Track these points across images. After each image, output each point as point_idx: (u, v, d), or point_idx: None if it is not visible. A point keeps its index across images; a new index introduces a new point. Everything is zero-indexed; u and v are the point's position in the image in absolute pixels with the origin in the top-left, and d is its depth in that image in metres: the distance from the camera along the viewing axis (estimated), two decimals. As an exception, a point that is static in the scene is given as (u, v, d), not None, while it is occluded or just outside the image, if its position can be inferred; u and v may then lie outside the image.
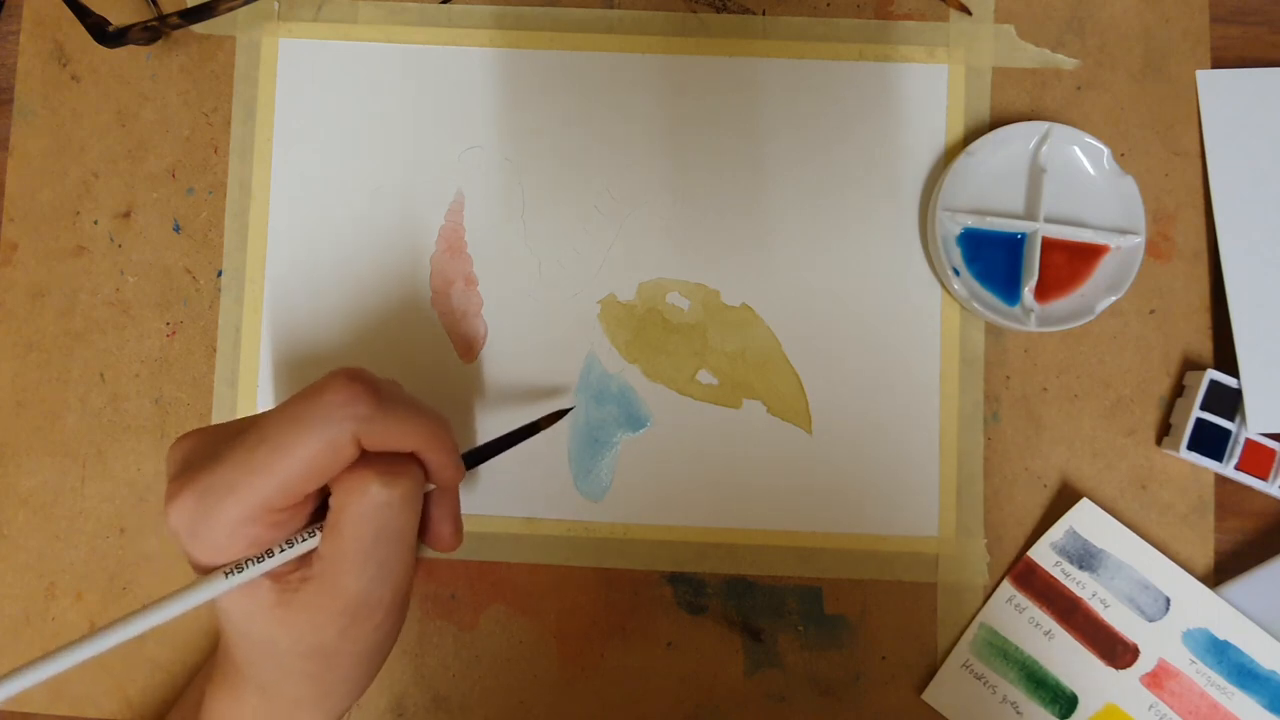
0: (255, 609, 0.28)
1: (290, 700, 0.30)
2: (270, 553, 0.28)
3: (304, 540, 0.28)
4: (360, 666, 0.30)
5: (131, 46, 0.41)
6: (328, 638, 0.29)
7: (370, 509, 0.27)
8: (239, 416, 0.40)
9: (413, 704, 0.39)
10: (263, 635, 0.29)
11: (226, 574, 0.27)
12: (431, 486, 0.31)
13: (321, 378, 0.28)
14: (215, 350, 0.41)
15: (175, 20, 0.40)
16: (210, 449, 0.28)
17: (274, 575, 0.28)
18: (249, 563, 0.27)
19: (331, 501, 0.28)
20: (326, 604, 0.28)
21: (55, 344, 0.41)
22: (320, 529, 0.28)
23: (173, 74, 0.42)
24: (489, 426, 0.40)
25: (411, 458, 0.29)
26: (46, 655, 0.27)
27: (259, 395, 0.40)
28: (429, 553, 0.40)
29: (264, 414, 0.28)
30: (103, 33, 0.40)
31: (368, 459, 0.28)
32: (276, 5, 0.42)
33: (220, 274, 0.41)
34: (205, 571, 0.28)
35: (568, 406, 0.39)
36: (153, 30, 0.40)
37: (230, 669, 0.31)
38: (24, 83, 0.42)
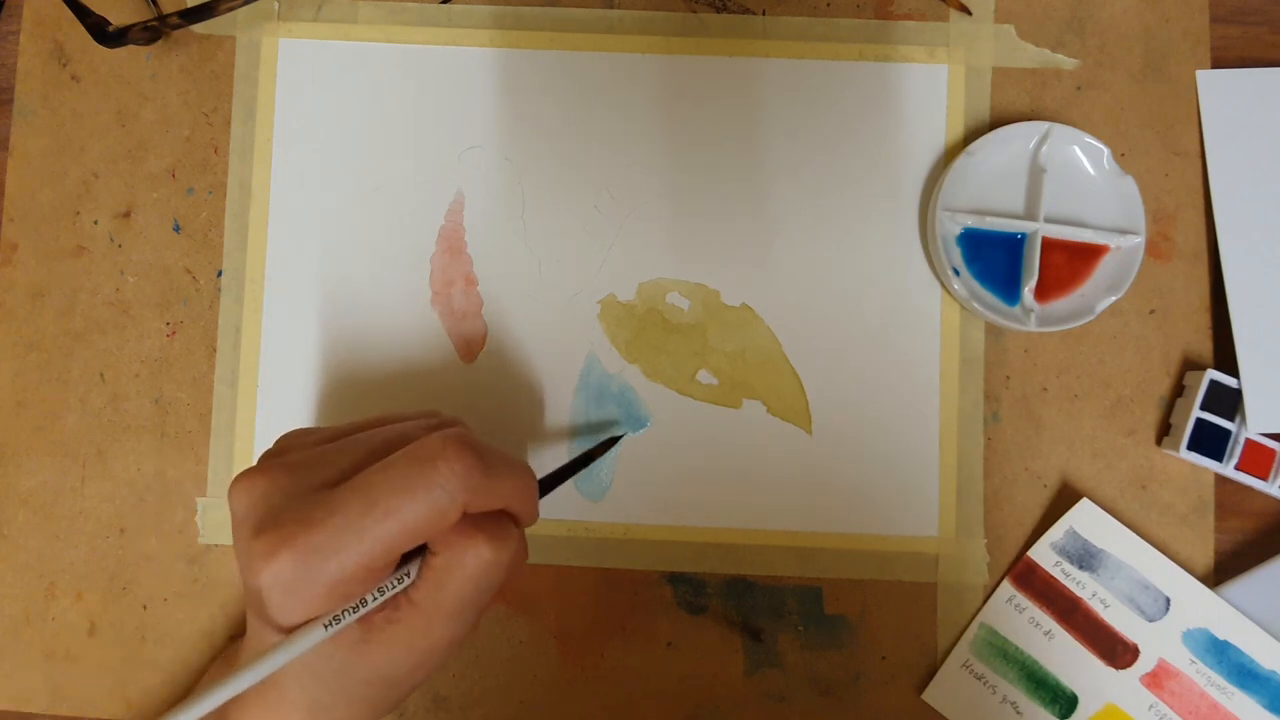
0: (335, 647, 0.28)
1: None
2: (364, 601, 0.28)
3: (394, 588, 0.28)
4: (414, 687, 0.31)
5: (131, 46, 0.41)
6: (402, 671, 0.29)
7: (480, 569, 0.28)
8: (237, 417, 0.40)
9: (413, 704, 0.39)
10: (335, 667, 0.29)
11: (325, 625, 0.27)
12: None
13: (431, 438, 0.28)
14: (215, 350, 0.41)
15: (175, 20, 0.40)
16: (289, 500, 0.28)
17: (366, 618, 0.29)
18: (346, 613, 0.28)
19: (434, 560, 0.28)
20: (414, 644, 0.29)
21: (55, 344, 0.41)
22: (408, 574, 0.29)
23: (173, 74, 0.42)
24: (489, 427, 0.40)
25: (508, 514, 0.30)
26: None
27: (259, 395, 0.40)
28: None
29: (370, 475, 0.28)
30: (103, 33, 0.40)
31: (470, 518, 0.28)
32: (276, 5, 0.42)
33: (220, 274, 0.41)
34: (283, 627, 0.28)
35: (619, 434, 0.40)
36: (153, 30, 0.40)
37: (269, 688, 0.30)
38: (24, 83, 0.42)
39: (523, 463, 0.31)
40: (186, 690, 0.40)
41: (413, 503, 0.27)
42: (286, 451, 0.30)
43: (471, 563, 0.28)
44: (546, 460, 0.40)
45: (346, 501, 0.27)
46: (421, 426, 0.32)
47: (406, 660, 0.29)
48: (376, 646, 0.29)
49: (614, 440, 0.39)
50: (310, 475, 0.29)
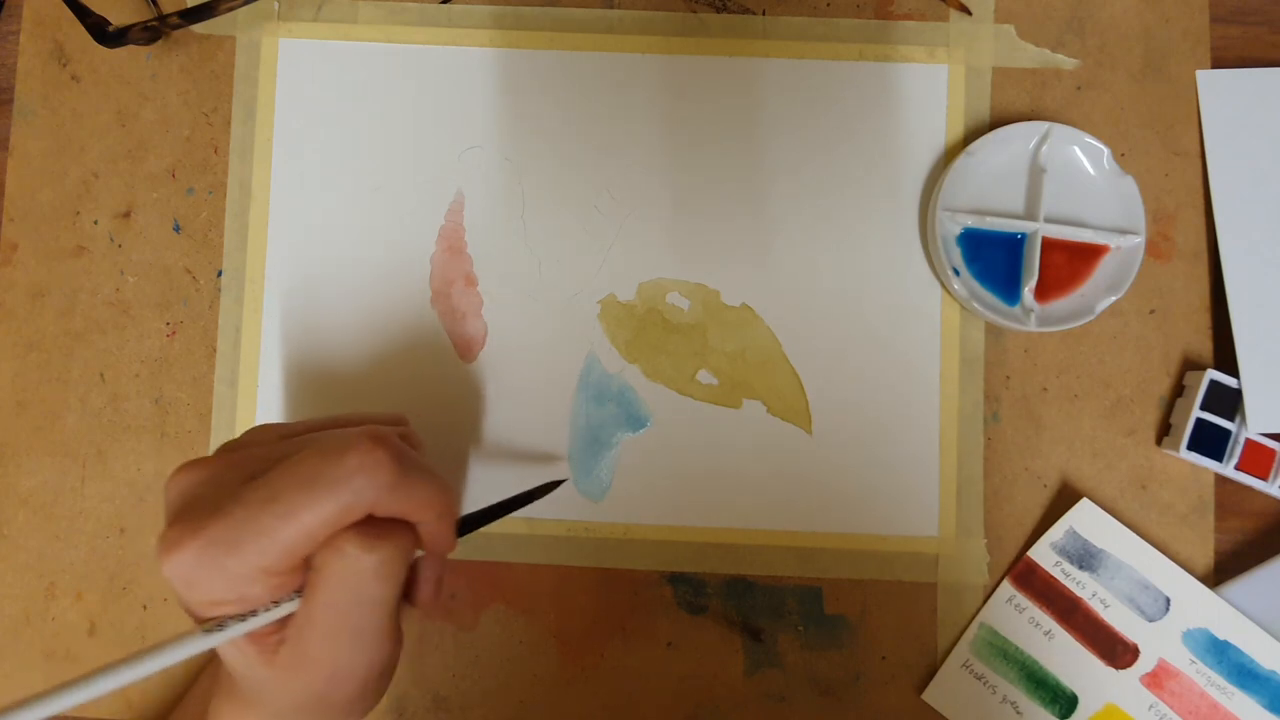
0: (244, 661, 0.27)
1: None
2: (255, 612, 0.26)
3: (284, 604, 0.27)
4: (353, 708, 0.29)
5: (131, 46, 0.41)
6: (310, 697, 0.27)
7: (347, 574, 0.26)
8: (237, 417, 0.40)
9: (413, 704, 0.39)
10: (256, 682, 0.28)
11: (206, 631, 0.26)
12: (420, 553, 0.30)
13: (344, 432, 0.27)
14: (215, 350, 0.41)
15: (175, 20, 0.40)
16: (213, 491, 0.27)
17: (254, 636, 0.27)
18: (231, 621, 0.26)
19: (312, 561, 0.26)
20: (300, 669, 0.27)
21: (55, 344, 0.41)
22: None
23: (173, 74, 0.42)
24: (489, 427, 0.40)
25: (402, 523, 0.28)
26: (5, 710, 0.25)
27: (259, 395, 0.40)
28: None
29: (278, 469, 0.26)
30: (103, 33, 0.40)
31: (360, 522, 0.26)
32: (276, 5, 0.42)
33: (220, 274, 0.41)
34: (197, 619, 0.26)
35: (562, 478, 0.39)
36: (153, 30, 0.40)
37: (236, 689, 0.30)
38: (24, 83, 0.42)
39: (444, 480, 0.29)
40: (186, 690, 0.40)
41: (312, 499, 0.25)
42: (246, 445, 0.29)
43: (340, 565, 0.26)
44: (547, 461, 0.40)
45: (252, 495, 0.26)
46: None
47: (304, 690, 0.27)
48: (277, 670, 0.27)
49: (555, 484, 0.37)
50: (244, 469, 0.27)
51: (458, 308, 0.41)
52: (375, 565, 0.26)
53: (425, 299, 0.41)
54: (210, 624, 0.26)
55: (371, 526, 0.26)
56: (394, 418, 0.34)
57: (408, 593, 0.32)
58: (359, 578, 0.26)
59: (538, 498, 0.36)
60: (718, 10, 0.41)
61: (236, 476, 0.27)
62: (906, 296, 0.40)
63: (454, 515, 0.29)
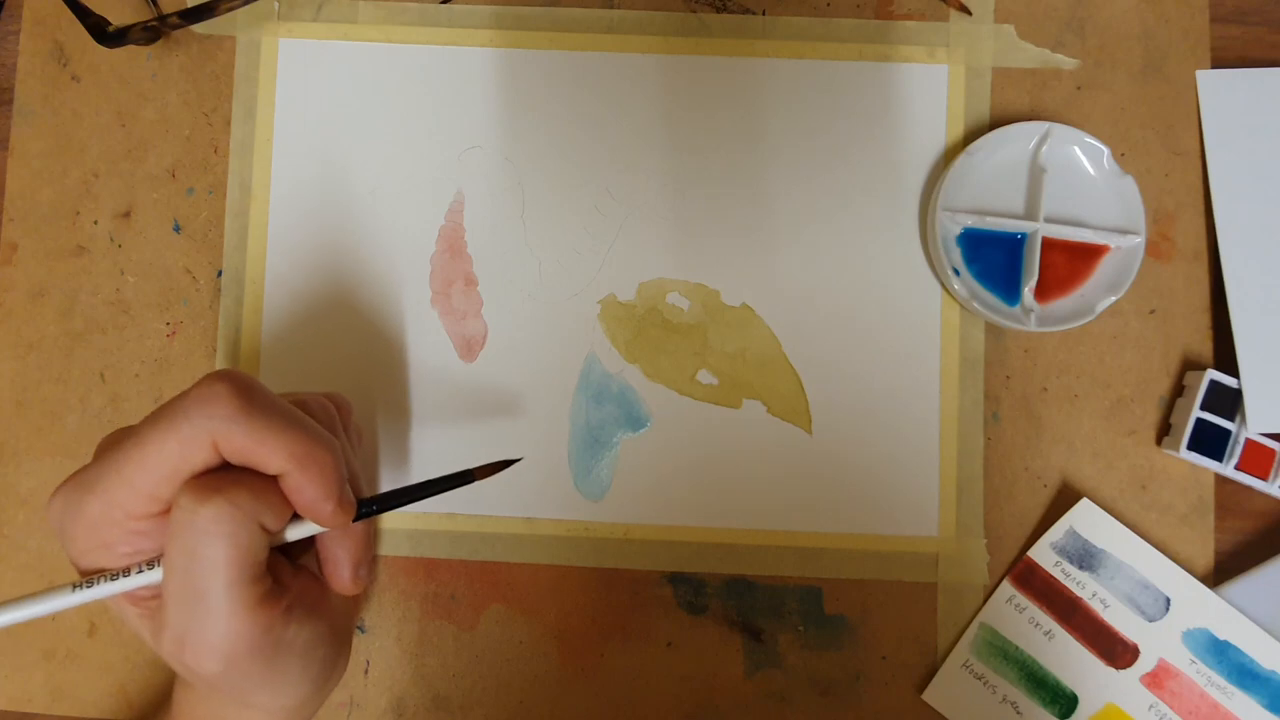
0: (135, 625, 0.26)
1: (234, 701, 0.28)
2: (128, 571, 0.25)
3: (157, 567, 0.25)
4: (242, 691, 0.27)
5: (131, 46, 0.41)
6: (184, 669, 0.26)
7: (182, 530, 0.24)
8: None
9: (413, 704, 0.39)
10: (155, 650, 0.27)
11: (74, 587, 0.25)
12: (310, 528, 0.28)
13: (207, 375, 0.26)
14: (215, 350, 0.41)
15: (175, 20, 0.40)
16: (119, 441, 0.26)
17: (133, 598, 0.26)
18: (102, 579, 0.25)
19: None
20: (161, 637, 0.25)
21: (55, 344, 0.41)
22: None
23: (173, 74, 0.42)
24: (489, 427, 0.40)
25: (263, 480, 0.26)
26: None
27: (259, 395, 0.40)
28: (427, 553, 0.40)
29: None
30: (103, 33, 0.40)
31: (213, 472, 0.25)
32: (276, 5, 0.42)
33: (220, 274, 0.41)
34: (80, 570, 0.26)
35: (516, 458, 0.34)
36: (153, 30, 0.40)
37: None
38: (24, 83, 0.42)
39: (314, 429, 0.26)
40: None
41: (159, 433, 0.24)
42: None
43: (175, 521, 0.24)
44: (546, 461, 0.40)
45: (119, 440, 0.25)
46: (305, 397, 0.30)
47: (169, 657, 0.25)
48: (154, 638, 0.25)
49: (507, 463, 0.33)
50: None
51: (458, 308, 0.41)
52: (207, 519, 0.24)
53: (425, 299, 0.41)
54: (82, 581, 0.25)
55: (213, 478, 0.25)
56: (330, 395, 0.33)
57: (325, 575, 0.30)
58: (193, 534, 0.24)
59: (479, 478, 0.32)
60: (718, 10, 0.41)
61: None
62: (906, 296, 0.40)
63: (331, 476, 0.26)
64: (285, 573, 0.29)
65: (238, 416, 0.25)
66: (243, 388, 0.25)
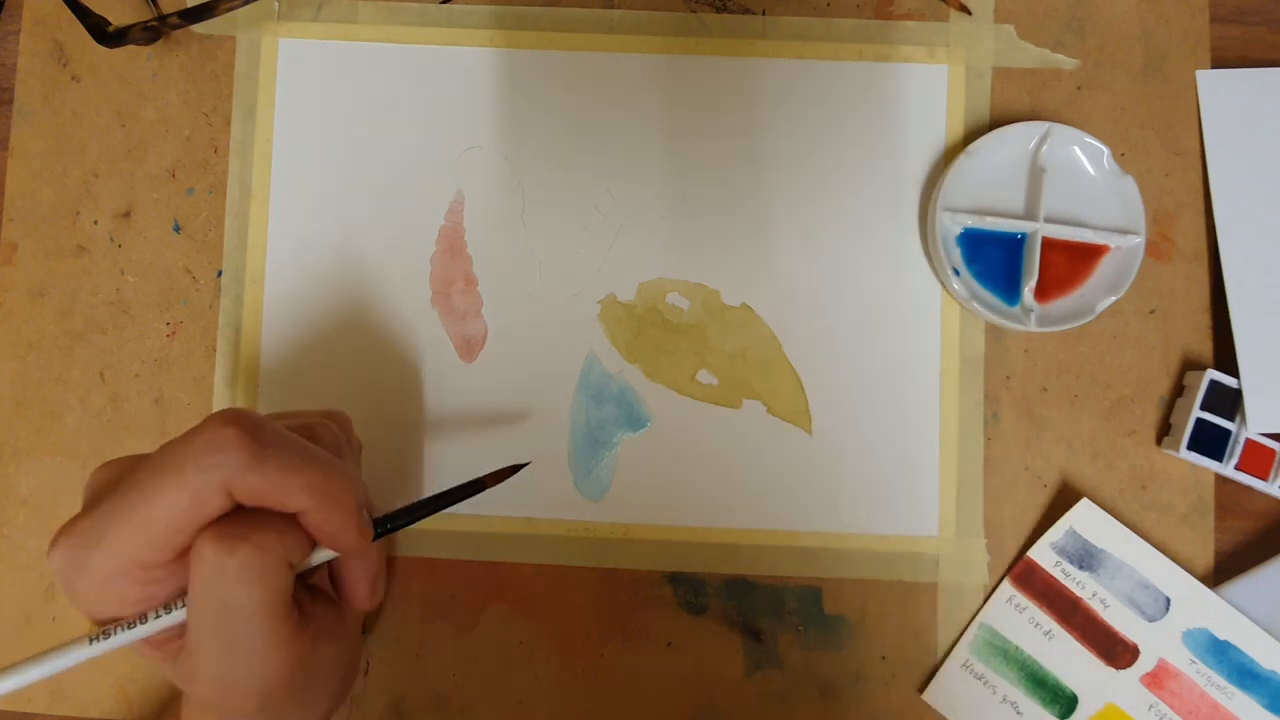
0: (158, 665, 0.26)
1: None
2: (144, 618, 0.24)
3: (175, 611, 0.25)
4: (275, 715, 0.27)
5: (131, 46, 0.41)
6: (217, 707, 0.26)
7: (209, 579, 0.24)
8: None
9: (413, 704, 0.39)
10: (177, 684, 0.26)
11: (91, 640, 0.24)
12: (327, 554, 0.28)
13: (209, 416, 0.25)
14: (215, 350, 0.41)
15: (175, 20, 0.40)
16: (115, 486, 0.25)
17: (154, 642, 0.25)
18: (119, 628, 0.24)
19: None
20: (192, 680, 0.25)
21: (55, 344, 0.41)
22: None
23: (173, 74, 0.42)
24: (489, 427, 0.40)
25: (283, 519, 0.25)
26: None
27: (259, 395, 0.40)
28: (427, 553, 0.40)
29: (145, 458, 0.25)
30: (103, 33, 0.40)
31: (231, 517, 0.24)
32: (276, 5, 0.42)
33: (220, 274, 0.41)
34: (94, 623, 0.25)
35: (524, 462, 0.35)
36: (153, 30, 0.40)
37: None
38: (24, 83, 0.42)
39: (329, 461, 0.26)
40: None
41: (168, 483, 0.23)
42: None
43: (199, 571, 0.24)
44: (546, 461, 0.40)
45: (119, 487, 0.24)
46: (305, 418, 0.29)
47: (200, 696, 0.25)
48: (178, 678, 0.25)
49: (516, 468, 0.33)
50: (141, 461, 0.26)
51: (458, 308, 0.41)
52: (237, 569, 0.24)
53: (425, 299, 0.41)
54: (98, 632, 0.24)
55: (234, 524, 0.24)
56: (331, 414, 0.32)
57: (342, 594, 0.30)
58: (221, 583, 0.24)
59: (491, 485, 0.32)
60: (718, 10, 0.41)
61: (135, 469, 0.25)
62: (906, 296, 0.40)
63: (349, 506, 0.26)
64: (306, 600, 0.29)
65: (250, 463, 0.24)
66: (252, 430, 0.24)
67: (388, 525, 0.30)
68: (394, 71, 0.41)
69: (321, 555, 0.28)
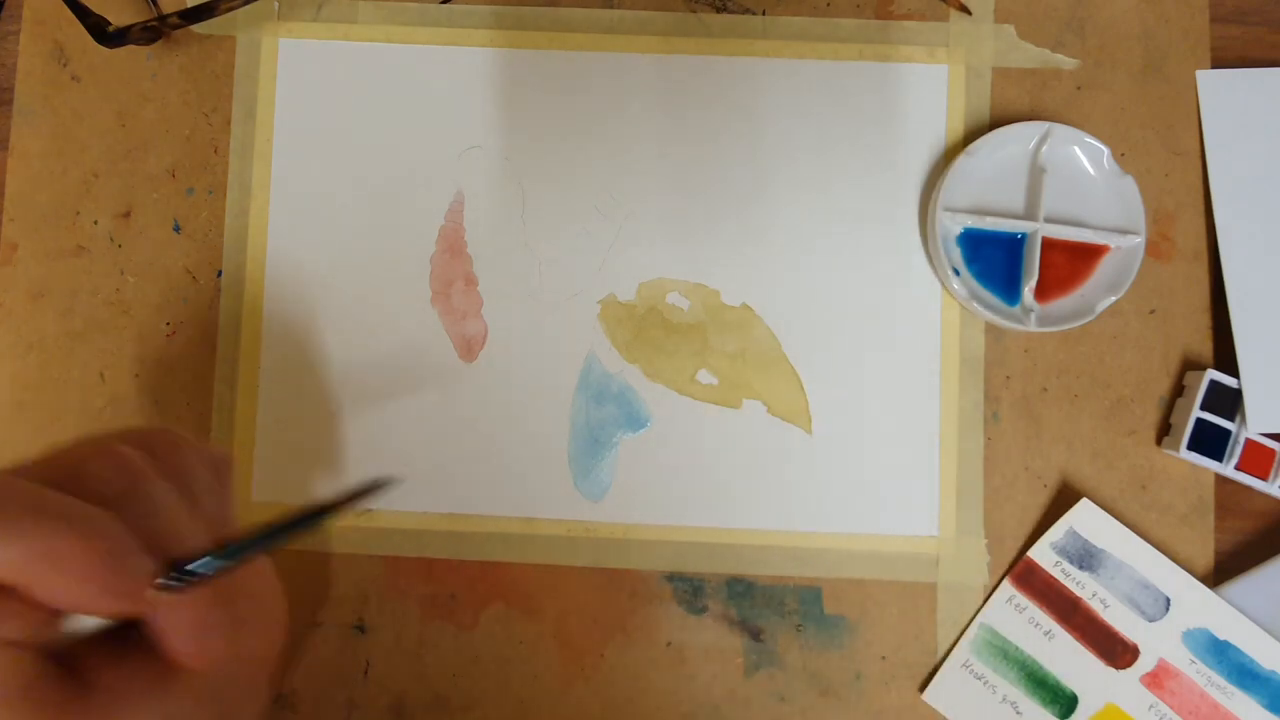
0: None
1: None
2: None
3: None
4: None
5: (131, 46, 0.41)
6: None
7: None
8: (237, 417, 0.40)
9: (413, 704, 0.39)
10: None
11: None
12: (93, 620, 0.23)
13: None
14: (215, 350, 0.41)
15: (175, 20, 0.40)
16: None
17: None
18: None
19: None
20: None
21: (55, 344, 0.41)
22: None
23: (173, 74, 0.42)
24: (489, 427, 0.40)
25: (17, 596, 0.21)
26: None
27: (259, 395, 0.40)
28: (427, 553, 0.40)
29: None
30: (103, 33, 0.40)
31: None
32: (276, 5, 0.42)
33: (220, 274, 0.41)
34: None
35: (387, 479, 0.26)
36: (153, 30, 0.40)
37: None
38: (24, 83, 0.42)
39: (69, 511, 0.22)
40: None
41: None
42: None
43: None
44: (546, 461, 0.40)
45: None
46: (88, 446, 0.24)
47: None
48: None
49: (377, 485, 0.25)
50: None
51: (458, 308, 0.41)
52: None
53: (425, 299, 0.41)
54: None
55: None
56: (143, 435, 0.27)
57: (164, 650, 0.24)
58: None
59: (344, 510, 0.25)
60: (718, 10, 0.41)
61: None
62: (906, 296, 0.40)
63: (77, 563, 0.21)
64: (90, 665, 0.23)
65: None
66: None
67: (190, 574, 0.23)
68: (394, 71, 0.41)
69: (86, 621, 0.23)
